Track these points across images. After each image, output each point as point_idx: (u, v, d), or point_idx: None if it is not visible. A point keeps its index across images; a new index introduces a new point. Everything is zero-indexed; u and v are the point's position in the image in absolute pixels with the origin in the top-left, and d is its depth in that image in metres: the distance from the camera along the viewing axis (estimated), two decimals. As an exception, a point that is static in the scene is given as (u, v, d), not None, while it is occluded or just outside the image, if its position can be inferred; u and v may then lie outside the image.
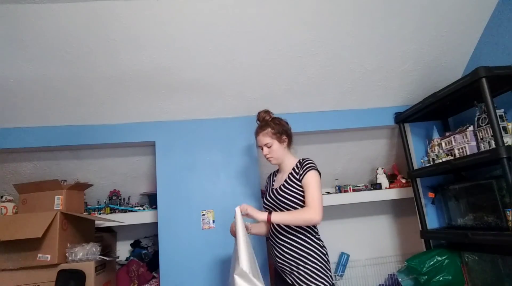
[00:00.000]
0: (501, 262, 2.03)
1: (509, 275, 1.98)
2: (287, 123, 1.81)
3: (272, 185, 1.80)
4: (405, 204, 3.02)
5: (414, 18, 2.12)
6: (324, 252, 1.61)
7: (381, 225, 3.13)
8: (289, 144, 1.79)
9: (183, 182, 2.35)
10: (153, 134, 2.39)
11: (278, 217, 1.54)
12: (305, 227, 1.61)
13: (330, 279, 1.56)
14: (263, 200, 1.76)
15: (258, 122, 1.80)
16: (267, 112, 1.79)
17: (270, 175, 1.91)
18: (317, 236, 1.63)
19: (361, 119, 2.61)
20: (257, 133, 1.77)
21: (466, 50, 2.38)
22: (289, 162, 1.74)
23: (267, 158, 1.75)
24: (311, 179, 1.58)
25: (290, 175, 1.66)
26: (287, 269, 1.60)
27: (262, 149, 1.75)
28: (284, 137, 1.74)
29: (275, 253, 1.66)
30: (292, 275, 1.58)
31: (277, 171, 1.86)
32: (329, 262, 1.62)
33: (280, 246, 1.63)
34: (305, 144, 2.59)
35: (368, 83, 2.45)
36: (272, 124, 1.74)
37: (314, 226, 1.65)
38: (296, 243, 1.59)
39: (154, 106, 2.32)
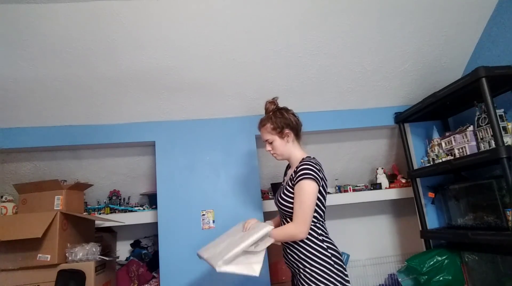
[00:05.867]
0: (501, 262, 2.03)
1: (509, 275, 1.98)
2: (294, 114, 1.65)
3: (283, 180, 1.73)
4: (405, 204, 3.02)
5: (414, 18, 2.12)
6: (330, 254, 1.48)
7: (381, 225, 3.13)
8: (297, 137, 1.65)
9: (183, 182, 2.35)
10: (153, 134, 2.39)
11: (275, 237, 1.54)
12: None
13: (339, 282, 1.45)
14: (274, 197, 1.69)
15: (265, 113, 1.68)
16: (271, 102, 1.66)
17: (286, 166, 1.79)
18: (320, 238, 1.51)
19: (361, 119, 2.61)
20: (258, 128, 1.67)
21: (466, 50, 2.39)
22: (296, 157, 1.61)
23: (271, 154, 1.67)
24: (300, 190, 1.47)
25: (291, 177, 1.57)
26: (293, 270, 1.58)
27: (265, 144, 1.67)
28: (287, 131, 1.60)
29: (283, 253, 1.63)
30: (297, 276, 1.54)
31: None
32: (339, 264, 1.49)
33: (287, 246, 1.59)
34: (305, 144, 2.58)
35: (368, 83, 2.45)
36: (272, 118, 1.61)
37: (319, 226, 1.54)
38: (299, 245, 1.52)
39: (154, 106, 2.32)
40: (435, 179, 2.57)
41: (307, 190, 1.46)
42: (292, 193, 1.51)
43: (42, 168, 2.44)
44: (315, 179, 1.48)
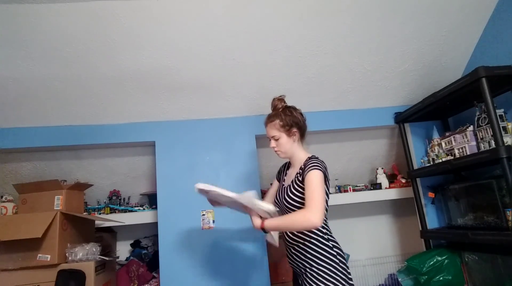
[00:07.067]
0: (501, 262, 2.03)
1: (509, 275, 1.98)
2: (301, 114, 1.64)
3: (284, 180, 1.70)
4: (405, 204, 3.02)
5: (414, 18, 2.12)
6: (335, 253, 1.49)
7: (381, 225, 3.13)
8: (302, 137, 1.65)
9: (183, 182, 2.35)
10: (153, 134, 2.39)
11: (273, 223, 1.43)
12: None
13: (344, 280, 1.45)
14: (275, 197, 1.68)
15: (271, 110, 1.66)
16: (280, 99, 1.64)
17: (283, 166, 1.77)
18: (325, 237, 1.51)
19: (361, 119, 2.61)
20: (265, 124, 1.64)
21: (466, 50, 2.39)
22: (299, 157, 1.61)
23: (274, 151, 1.65)
24: (310, 179, 1.43)
25: (296, 176, 1.56)
26: (298, 270, 1.56)
27: (270, 140, 1.64)
28: (294, 130, 1.59)
29: (287, 253, 1.62)
30: (302, 276, 1.53)
31: (289, 165, 1.72)
32: (343, 263, 1.48)
33: (291, 246, 1.57)
34: (305, 144, 2.59)
35: (368, 83, 2.45)
36: (282, 115, 1.59)
37: (324, 225, 1.54)
38: (305, 244, 1.51)
39: (154, 106, 2.32)
40: (435, 179, 2.56)
41: (317, 178, 1.44)
42: (301, 191, 1.50)
43: (42, 168, 2.44)
44: (323, 172, 1.48)
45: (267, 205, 1.46)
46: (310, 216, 1.36)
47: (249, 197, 1.46)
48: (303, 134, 1.65)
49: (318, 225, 1.36)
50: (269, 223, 1.45)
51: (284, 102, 1.66)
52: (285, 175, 1.73)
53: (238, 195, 1.47)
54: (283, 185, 1.68)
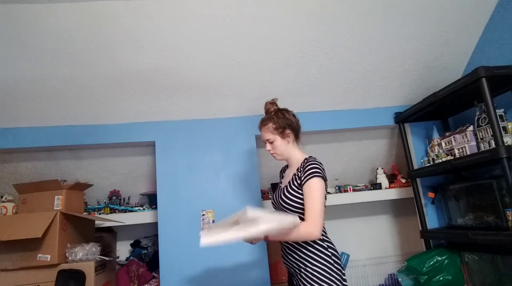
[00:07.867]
0: (501, 262, 2.03)
1: (509, 275, 1.98)
2: (294, 115, 1.67)
3: (281, 182, 1.73)
4: (405, 204, 3.02)
5: (414, 18, 2.12)
6: (330, 254, 1.50)
7: (381, 225, 3.13)
8: (296, 138, 1.67)
9: (183, 182, 2.35)
10: (153, 134, 2.39)
11: (275, 237, 1.47)
12: None
13: (338, 280, 1.47)
14: (272, 197, 1.69)
15: (265, 113, 1.69)
16: (272, 103, 1.67)
17: (282, 169, 1.80)
18: (321, 238, 1.51)
19: (361, 119, 2.61)
20: (259, 128, 1.67)
21: (466, 50, 2.39)
22: (296, 158, 1.62)
23: (271, 154, 1.67)
24: (311, 188, 1.46)
25: (294, 177, 1.57)
26: (292, 270, 1.57)
27: (265, 143, 1.67)
28: (288, 131, 1.61)
29: (282, 254, 1.63)
30: (297, 276, 1.54)
31: (287, 165, 1.74)
32: (338, 263, 1.50)
33: (286, 246, 1.58)
34: (305, 144, 2.59)
35: (368, 83, 2.45)
36: (274, 118, 1.62)
37: None
38: (300, 245, 1.52)
39: (154, 106, 2.32)
40: (435, 179, 2.57)
41: (318, 188, 1.47)
42: (298, 192, 1.51)
43: (42, 168, 2.44)
44: (323, 178, 1.50)
45: (289, 218, 1.42)
46: (310, 229, 1.43)
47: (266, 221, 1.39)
48: (297, 135, 1.67)
49: (318, 237, 1.45)
50: (273, 237, 1.47)
51: (276, 105, 1.68)
52: (282, 178, 1.75)
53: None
54: (279, 186, 1.70)
